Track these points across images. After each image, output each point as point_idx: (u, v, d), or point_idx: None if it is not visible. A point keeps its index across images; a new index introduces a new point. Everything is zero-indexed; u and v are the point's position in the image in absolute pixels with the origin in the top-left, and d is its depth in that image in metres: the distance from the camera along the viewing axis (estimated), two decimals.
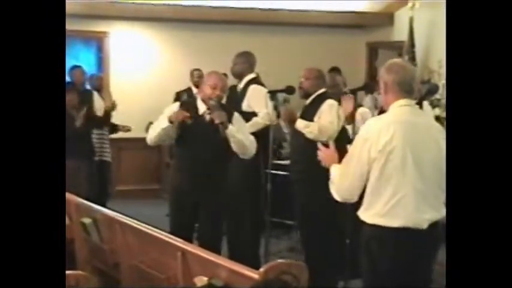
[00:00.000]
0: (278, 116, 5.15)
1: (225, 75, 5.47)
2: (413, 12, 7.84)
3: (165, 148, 7.63)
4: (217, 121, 3.98)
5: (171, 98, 7.55)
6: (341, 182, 2.97)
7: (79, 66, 6.71)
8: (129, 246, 3.38)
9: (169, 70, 8.53)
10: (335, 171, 3.03)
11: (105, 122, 6.48)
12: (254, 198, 4.85)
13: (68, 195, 3.58)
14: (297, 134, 4.65)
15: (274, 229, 5.24)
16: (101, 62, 8.55)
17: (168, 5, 8.10)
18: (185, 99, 4.57)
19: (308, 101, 4.70)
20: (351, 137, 4.43)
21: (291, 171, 4.87)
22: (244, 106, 4.90)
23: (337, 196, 3.01)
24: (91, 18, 8.16)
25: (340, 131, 4.55)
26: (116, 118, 7.08)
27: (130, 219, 3.41)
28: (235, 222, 4.91)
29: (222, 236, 4.37)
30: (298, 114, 4.74)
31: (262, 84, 5.05)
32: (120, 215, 3.51)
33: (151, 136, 4.24)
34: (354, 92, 4.68)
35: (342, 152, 3.17)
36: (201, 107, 4.16)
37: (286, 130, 5.00)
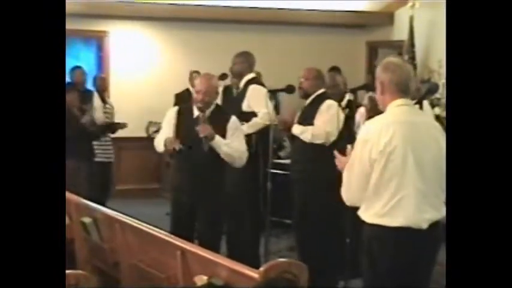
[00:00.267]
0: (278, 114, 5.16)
1: (225, 75, 5.50)
2: (413, 11, 7.84)
3: None
4: (201, 135, 4.00)
5: (171, 98, 7.55)
6: (347, 188, 2.95)
7: (79, 67, 6.71)
8: (129, 245, 3.38)
9: (169, 70, 8.54)
10: (344, 177, 2.99)
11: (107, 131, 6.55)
12: (254, 197, 4.85)
13: (68, 195, 3.58)
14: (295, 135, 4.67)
15: (274, 228, 5.24)
16: (101, 61, 8.55)
17: (168, 4, 8.10)
18: (182, 105, 4.54)
19: (308, 101, 4.70)
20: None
21: (291, 171, 4.87)
22: (245, 106, 4.90)
23: (346, 201, 2.99)
24: (91, 18, 8.16)
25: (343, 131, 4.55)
26: (116, 118, 7.09)
27: (130, 218, 3.42)
28: (235, 222, 4.92)
29: (222, 236, 4.36)
30: (298, 113, 4.75)
31: (262, 84, 5.05)
32: (120, 215, 3.51)
33: (159, 147, 4.26)
34: (353, 91, 4.69)
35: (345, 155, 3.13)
36: (196, 111, 4.20)
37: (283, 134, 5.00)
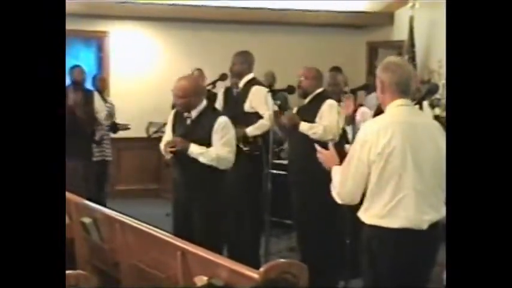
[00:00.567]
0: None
1: (225, 75, 5.49)
2: (413, 11, 7.85)
3: None
4: (175, 148, 4.00)
5: (171, 98, 7.53)
6: (342, 186, 2.93)
7: (78, 66, 6.72)
8: (129, 245, 3.38)
9: (169, 70, 8.52)
10: (336, 174, 2.99)
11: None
12: (254, 197, 4.85)
13: (68, 195, 3.58)
14: (294, 135, 4.67)
15: (274, 228, 5.25)
16: (101, 61, 8.55)
17: (169, 4, 8.10)
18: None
19: (306, 100, 4.71)
20: (349, 138, 4.44)
21: (289, 171, 4.87)
22: (247, 107, 4.90)
23: (338, 199, 2.97)
24: (91, 18, 8.16)
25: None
26: (116, 118, 7.09)
27: (130, 218, 3.42)
28: (235, 222, 4.91)
29: (221, 235, 4.33)
30: (294, 111, 4.76)
31: (262, 84, 5.05)
32: (120, 215, 3.51)
33: (162, 151, 4.25)
34: (354, 91, 4.69)
35: (341, 153, 3.15)
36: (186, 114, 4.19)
37: (279, 133, 4.97)
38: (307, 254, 4.58)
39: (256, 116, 4.86)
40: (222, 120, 4.07)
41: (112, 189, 7.60)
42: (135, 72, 8.50)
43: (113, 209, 3.75)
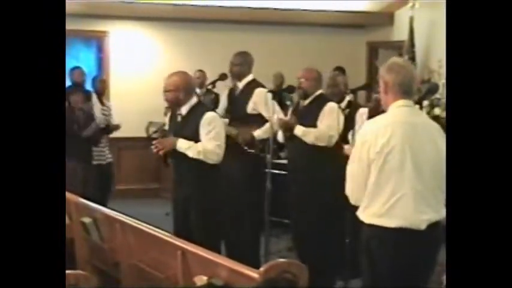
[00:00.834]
0: None
1: (225, 75, 5.48)
2: (413, 11, 7.84)
3: None
4: (160, 151, 4.06)
5: None
6: (349, 186, 2.98)
7: (79, 67, 6.71)
8: (129, 245, 3.38)
9: (169, 70, 8.33)
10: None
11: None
12: (254, 197, 4.84)
13: (68, 195, 3.58)
14: (293, 135, 4.67)
15: (274, 228, 5.24)
16: (101, 62, 8.55)
17: (168, 4, 8.10)
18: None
19: (307, 101, 4.70)
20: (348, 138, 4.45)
21: (288, 171, 4.88)
22: (249, 109, 4.89)
23: (350, 199, 3.01)
24: (91, 18, 8.15)
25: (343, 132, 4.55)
26: (116, 118, 7.08)
27: (130, 218, 3.42)
28: (235, 222, 4.91)
29: (218, 233, 4.31)
30: (290, 111, 4.76)
31: (263, 86, 5.04)
32: (120, 215, 3.51)
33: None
34: (354, 91, 4.69)
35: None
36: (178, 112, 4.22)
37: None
38: (304, 253, 4.57)
39: (259, 118, 4.85)
40: (209, 115, 4.10)
41: (112, 190, 7.59)
42: (135, 72, 8.49)
43: (113, 209, 3.75)
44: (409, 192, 2.81)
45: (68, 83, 6.32)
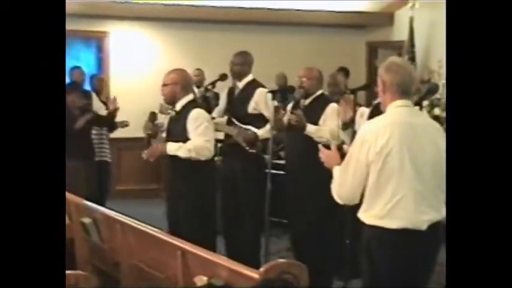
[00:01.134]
0: None
1: (225, 75, 5.48)
2: (413, 12, 7.84)
3: None
4: (150, 158, 4.22)
5: None
6: (341, 186, 2.94)
7: (79, 67, 6.70)
8: (129, 245, 3.38)
9: (169, 70, 8.52)
10: (336, 174, 3.00)
11: (110, 121, 6.47)
12: (254, 197, 4.84)
13: (68, 195, 3.58)
14: (292, 135, 4.66)
15: (274, 228, 5.24)
16: (101, 62, 8.56)
17: (169, 4, 8.10)
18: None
19: (307, 101, 4.70)
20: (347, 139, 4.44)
21: (286, 171, 4.88)
22: (251, 109, 4.89)
23: (338, 199, 2.99)
24: (91, 18, 8.16)
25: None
26: (115, 118, 7.07)
27: (130, 218, 3.41)
28: (235, 222, 4.91)
29: (212, 232, 4.32)
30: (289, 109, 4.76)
31: (263, 86, 5.04)
32: (120, 215, 3.51)
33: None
34: (354, 92, 4.68)
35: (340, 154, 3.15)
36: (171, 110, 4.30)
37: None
38: (302, 254, 4.57)
39: (260, 117, 4.85)
40: (195, 111, 4.13)
41: (111, 189, 7.59)
42: (135, 72, 8.50)
43: (113, 209, 3.75)
44: (409, 193, 2.80)
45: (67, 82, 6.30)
